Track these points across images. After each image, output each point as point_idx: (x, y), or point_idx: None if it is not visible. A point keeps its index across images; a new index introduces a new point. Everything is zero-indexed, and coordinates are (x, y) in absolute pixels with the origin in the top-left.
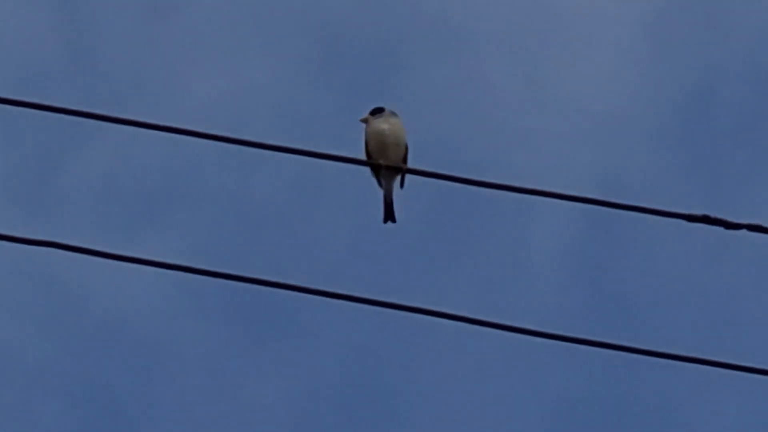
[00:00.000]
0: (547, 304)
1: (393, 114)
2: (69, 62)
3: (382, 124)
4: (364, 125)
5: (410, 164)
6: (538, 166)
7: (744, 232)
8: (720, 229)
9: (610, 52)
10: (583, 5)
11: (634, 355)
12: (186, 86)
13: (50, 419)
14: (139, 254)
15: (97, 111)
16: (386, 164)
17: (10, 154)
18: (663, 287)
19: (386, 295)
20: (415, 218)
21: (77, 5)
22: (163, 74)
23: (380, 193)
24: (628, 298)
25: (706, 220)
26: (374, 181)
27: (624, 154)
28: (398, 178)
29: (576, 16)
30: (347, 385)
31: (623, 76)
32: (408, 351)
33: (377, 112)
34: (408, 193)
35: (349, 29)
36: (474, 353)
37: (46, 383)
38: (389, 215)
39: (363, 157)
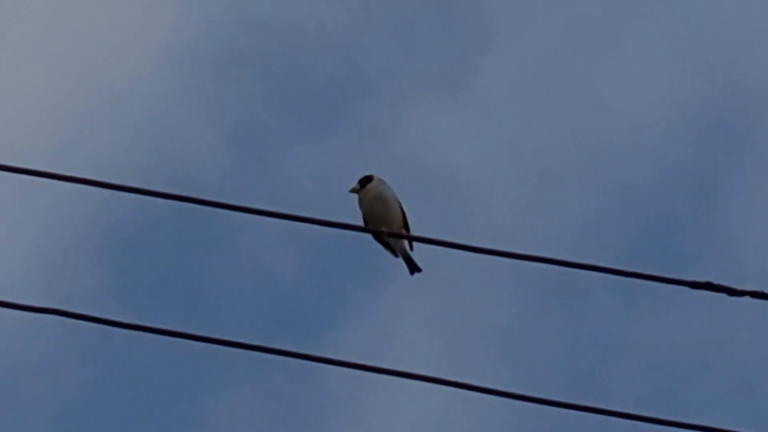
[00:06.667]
0: None
1: (381, 182)
2: None
3: (369, 197)
4: (355, 197)
5: None
6: None
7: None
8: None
9: None
10: None
11: None
12: None
13: None
14: None
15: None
16: (388, 231)
17: None
18: None
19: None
20: None
21: None
22: None
23: (390, 255)
24: None
25: (709, 286)
26: (382, 248)
27: None
28: (405, 241)
29: None
30: None
31: None
32: None
33: (366, 181)
34: None
35: None
36: None
37: None
38: (413, 267)
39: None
